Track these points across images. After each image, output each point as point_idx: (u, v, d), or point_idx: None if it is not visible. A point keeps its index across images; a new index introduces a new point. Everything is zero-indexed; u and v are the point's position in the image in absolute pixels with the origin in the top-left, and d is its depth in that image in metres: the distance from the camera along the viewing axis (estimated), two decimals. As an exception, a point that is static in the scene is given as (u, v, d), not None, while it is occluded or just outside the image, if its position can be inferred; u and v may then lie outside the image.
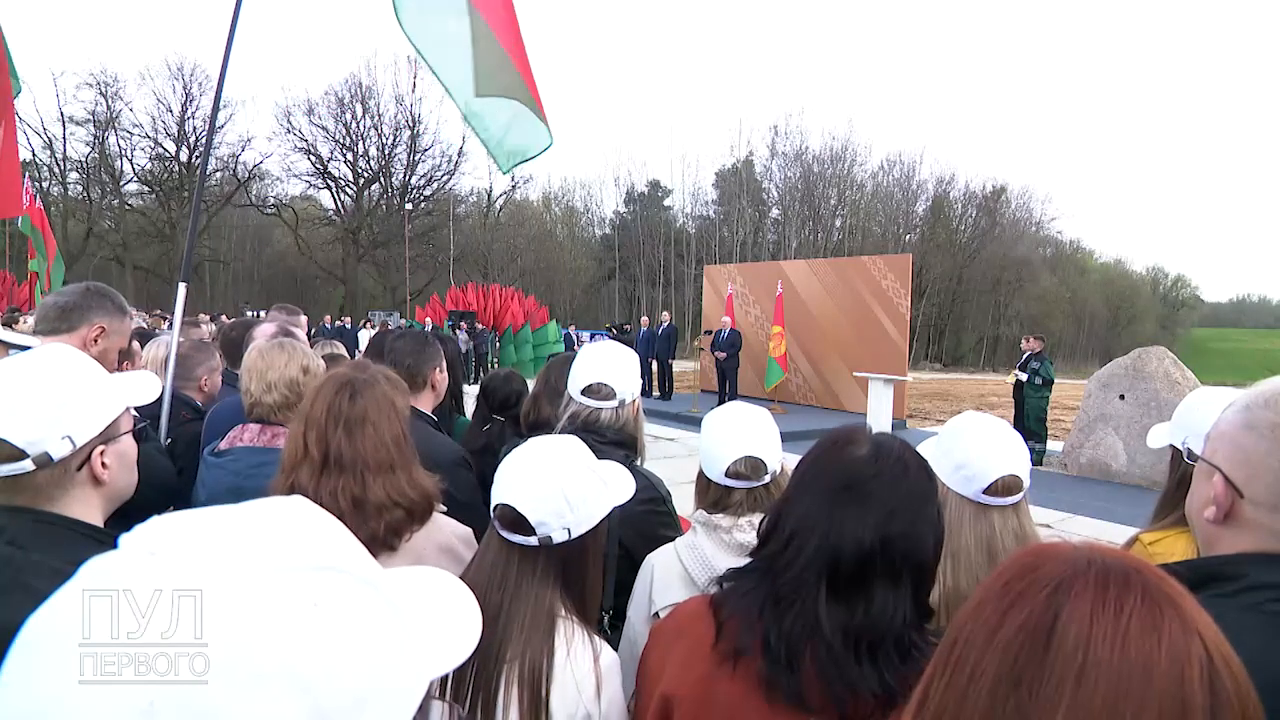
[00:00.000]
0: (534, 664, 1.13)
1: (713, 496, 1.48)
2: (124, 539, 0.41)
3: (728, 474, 1.44)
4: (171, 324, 2.71)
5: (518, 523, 1.19)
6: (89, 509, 1.12)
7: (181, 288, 2.70)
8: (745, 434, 1.46)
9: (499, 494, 1.21)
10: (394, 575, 0.49)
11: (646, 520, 1.71)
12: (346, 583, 0.43)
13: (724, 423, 1.50)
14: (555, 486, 1.19)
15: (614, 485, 1.30)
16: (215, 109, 2.99)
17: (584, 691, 1.15)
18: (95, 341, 2.04)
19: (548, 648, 1.15)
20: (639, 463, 1.83)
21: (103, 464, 1.11)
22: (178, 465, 2.41)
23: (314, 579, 0.41)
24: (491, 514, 1.24)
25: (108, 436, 1.12)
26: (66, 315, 2.01)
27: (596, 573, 1.28)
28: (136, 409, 1.25)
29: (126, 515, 1.16)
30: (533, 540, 1.19)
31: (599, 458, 1.70)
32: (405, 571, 0.53)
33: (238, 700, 0.36)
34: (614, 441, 1.75)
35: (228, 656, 0.36)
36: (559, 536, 1.19)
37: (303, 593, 0.40)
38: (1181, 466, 1.54)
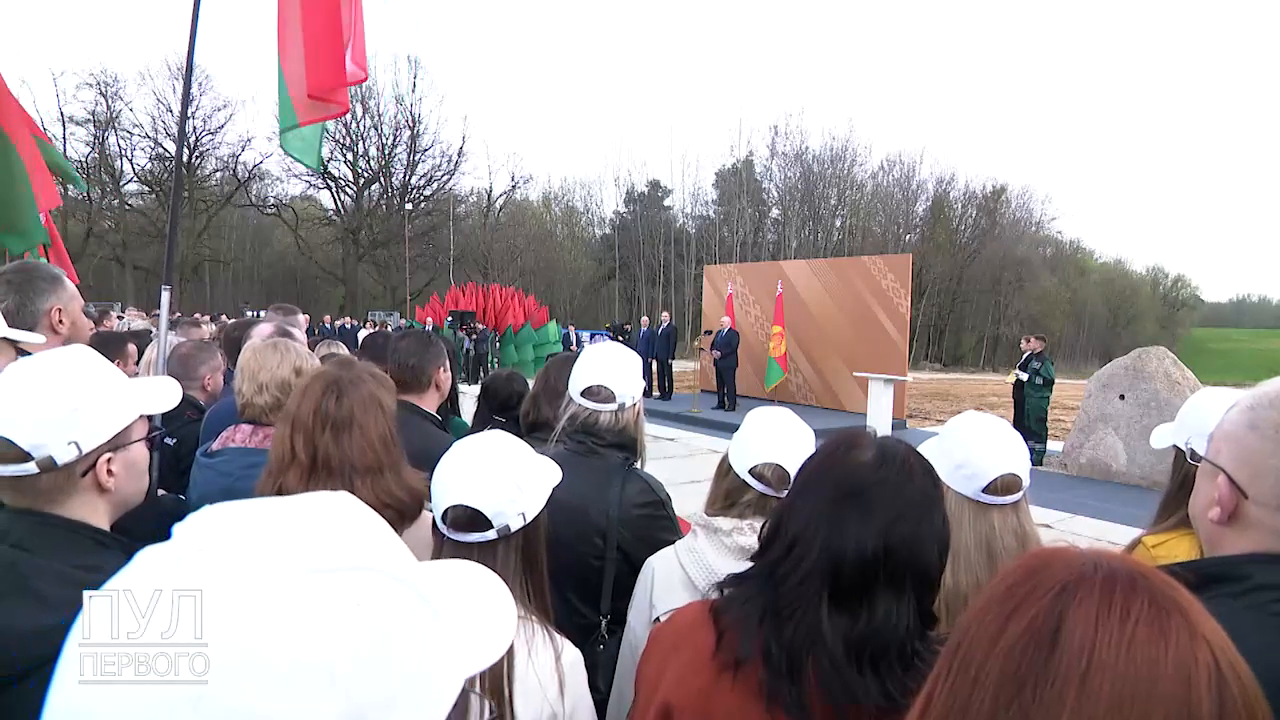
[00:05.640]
0: (494, 666, 1.13)
1: (728, 485, 1.48)
2: (177, 529, 0.43)
3: (751, 472, 1.44)
4: (165, 328, 2.71)
5: (473, 521, 1.18)
6: (94, 514, 1.11)
7: (165, 293, 2.68)
8: (786, 444, 1.45)
9: (444, 498, 1.20)
10: (431, 572, 0.50)
11: (646, 524, 1.70)
12: (384, 581, 0.43)
13: (772, 424, 1.49)
14: (502, 474, 1.19)
15: (548, 467, 1.31)
16: (185, 98, 2.95)
17: (548, 691, 1.14)
18: (61, 323, 1.95)
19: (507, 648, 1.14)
20: (639, 465, 1.82)
21: (108, 471, 1.10)
22: (182, 465, 2.40)
23: (353, 578, 0.42)
24: (440, 522, 1.22)
25: (117, 444, 1.11)
26: (19, 318, 1.86)
27: (546, 557, 1.28)
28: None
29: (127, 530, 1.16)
30: (490, 534, 1.18)
31: (598, 460, 1.72)
32: (442, 567, 0.53)
33: (275, 696, 0.37)
34: (613, 444, 1.74)
35: (265, 654, 0.37)
36: (516, 524, 1.19)
37: (341, 592, 0.41)
38: (1184, 467, 1.54)
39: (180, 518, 0.44)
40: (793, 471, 1.41)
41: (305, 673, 0.38)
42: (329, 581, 0.41)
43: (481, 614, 0.52)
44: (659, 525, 1.72)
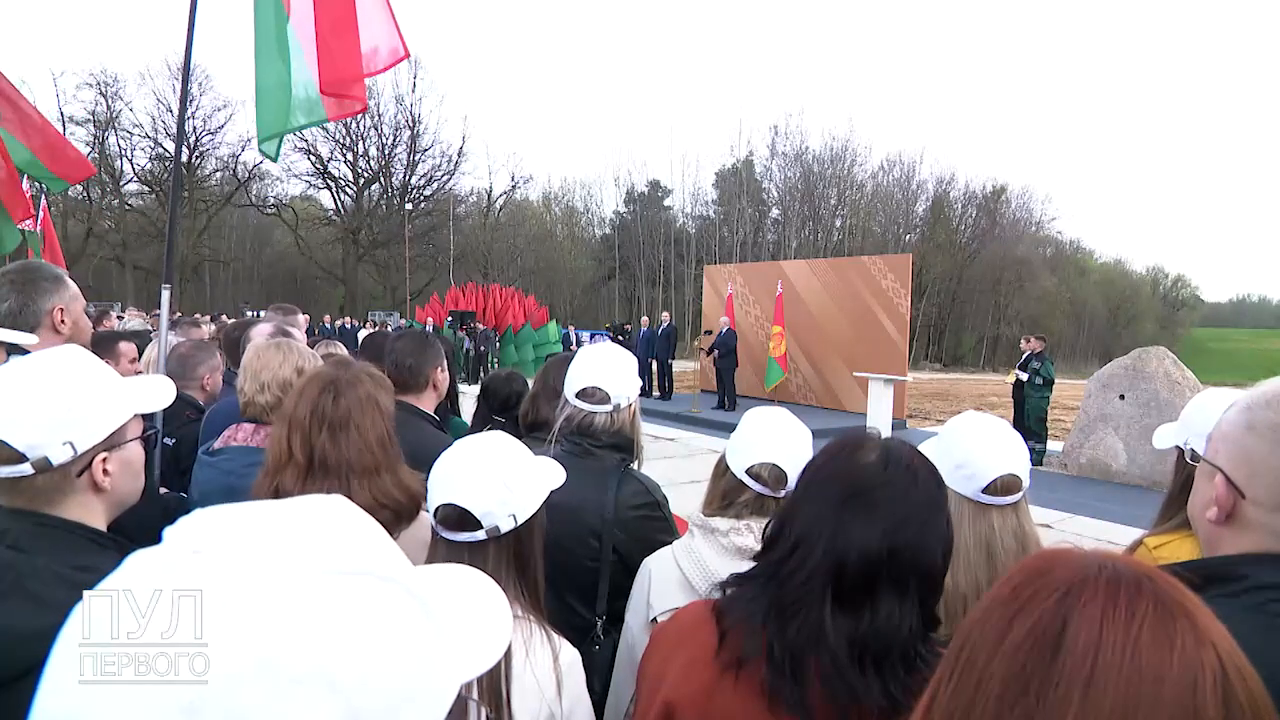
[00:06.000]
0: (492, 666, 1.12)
1: (725, 485, 1.47)
2: (168, 533, 0.42)
3: (748, 472, 1.43)
4: (166, 328, 2.71)
5: (462, 520, 1.19)
6: (90, 514, 1.10)
7: (165, 292, 2.69)
8: (783, 444, 1.45)
9: (436, 496, 1.21)
10: (428, 577, 0.49)
11: (641, 525, 1.69)
12: (382, 586, 0.43)
13: (768, 424, 1.48)
14: (493, 474, 1.20)
15: (547, 470, 1.31)
16: (184, 99, 2.92)
17: (545, 691, 1.14)
18: (63, 323, 1.95)
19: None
20: (636, 466, 1.81)
21: (104, 471, 1.10)
22: (182, 465, 2.41)
23: (351, 583, 0.42)
24: (432, 519, 1.23)
25: (112, 444, 1.10)
26: (22, 317, 1.85)
27: (542, 559, 1.28)
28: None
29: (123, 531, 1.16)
30: (480, 534, 1.18)
31: (594, 461, 1.71)
32: (438, 571, 0.53)
33: (274, 702, 0.36)
34: (609, 445, 1.74)
35: (264, 659, 0.37)
36: (506, 525, 1.19)
37: (339, 597, 0.41)
38: (1186, 468, 1.53)
39: (182, 516, 0.44)
40: (789, 471, 1.41)
41: (303, 678, 0.37)
42: (323, 585, 0.41)
43: (477, 619, 0.52)
44: (655, 526, 1.72)
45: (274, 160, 3.10)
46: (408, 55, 3.09)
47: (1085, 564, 0.53)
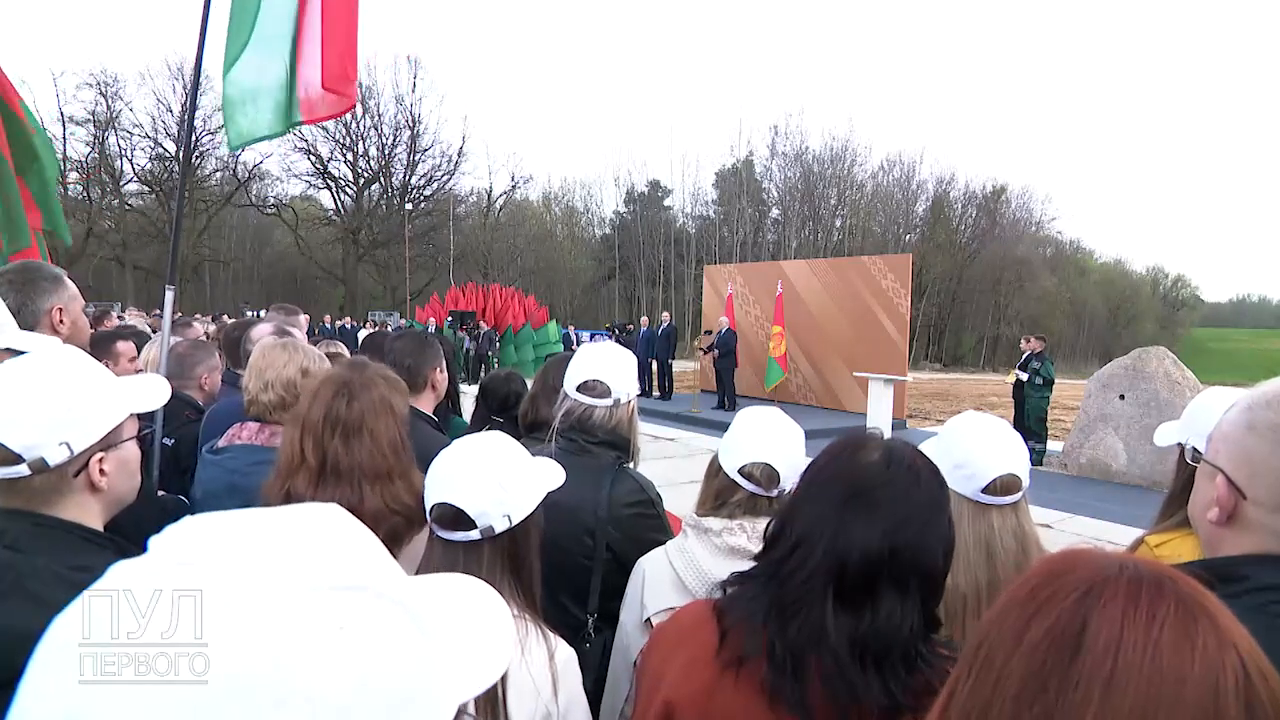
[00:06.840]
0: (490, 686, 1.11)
1: (718, 485, 1.47)
2: (154, 542, 0.41)
3: (741, 472, 1.43)
4: (169, 327, 2.71)
5: (457, 519, 1.19)
6: (87, 514, 1.10)
7: (169, 293, 2.68)
8: (775, 443, 1.45)
9: (433, 495, 1.21)
10: (425, 590, 0.48)
11: (635, 524, 1.69)
12: (376, 604, 0.42)
13: (761, 424, 1.48)
14: (489, 474, 1.20)
15: (545, 471, 1.31)
16: (193, 103, 2.89)
17: (541, 690, 1.14)
18: (61, 323, 1.95)
19: None
20: (632, 466, 1.81)
21: (101, 471, 1.10)
22: (181, 465, 2.40)
23: (343, 600, 0.40)
24: (428, 518, 1.23)
25: (108, 444, 1.10)
26: (20, 317, 1.84)
27: (538, 559, 1.28)
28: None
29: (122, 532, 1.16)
30: (475, 534, 1.18)
31: (590, 459, 1.71)
32: (440, 585, 0.51)
33: None
34: (605, 442, 1.73)
35: (250, 679, 0.36)
36: (500, 525, 1.19)
37: (331, 615, 0.39)
38: (1187, 467, 1.53)
39: (181, 517, 0.43)
40: (782, 470, 1.42)
41: (285, 700, 0.36)
42: (312, 602, 0.39)
43: (477, 635, 0.50)
44: (648, 525, 1.71)
45: (233, 150, 3.04)
46: (353, 104, 3.06)
47: (1106, 564, 0.53)
